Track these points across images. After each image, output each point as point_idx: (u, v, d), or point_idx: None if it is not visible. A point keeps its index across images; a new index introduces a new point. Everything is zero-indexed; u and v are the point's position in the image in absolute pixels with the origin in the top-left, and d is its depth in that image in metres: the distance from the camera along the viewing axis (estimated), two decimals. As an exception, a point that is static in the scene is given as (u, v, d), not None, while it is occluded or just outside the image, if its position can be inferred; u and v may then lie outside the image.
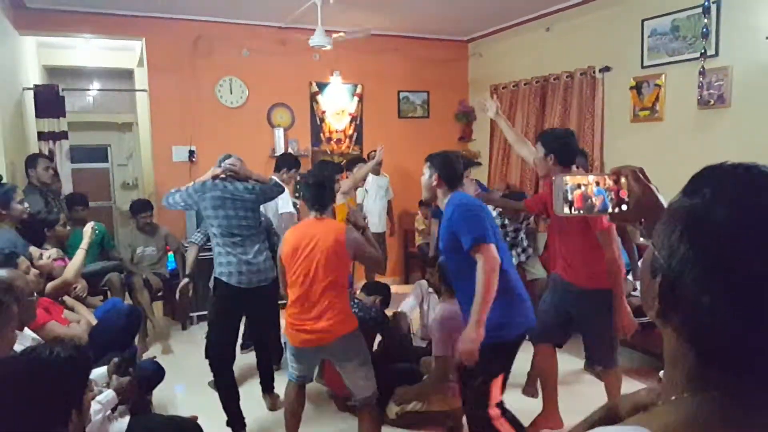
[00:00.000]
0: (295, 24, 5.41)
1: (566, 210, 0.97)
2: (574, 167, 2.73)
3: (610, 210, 0.96)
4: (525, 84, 5.66)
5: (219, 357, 3.03)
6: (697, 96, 4.03)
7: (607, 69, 4.83)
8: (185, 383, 3.69)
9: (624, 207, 0.95)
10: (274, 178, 3.46)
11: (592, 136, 4.92)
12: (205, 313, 4.37)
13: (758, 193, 0.55)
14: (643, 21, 4.48)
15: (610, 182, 0.96)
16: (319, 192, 2.55)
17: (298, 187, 4.78)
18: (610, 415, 0.88)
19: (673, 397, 0.60)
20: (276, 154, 5.61)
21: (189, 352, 4.05)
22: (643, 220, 0.89)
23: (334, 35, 4.66)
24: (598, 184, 0.97)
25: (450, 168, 2.35)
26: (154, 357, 3.11)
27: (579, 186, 0.96)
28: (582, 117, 5.01)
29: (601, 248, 2.52)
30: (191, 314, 4.95)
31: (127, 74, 6.83)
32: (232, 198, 3.02)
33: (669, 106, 4.36)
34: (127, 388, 2.26)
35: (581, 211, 0.97)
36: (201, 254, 3.96)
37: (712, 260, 0.55)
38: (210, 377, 3.22)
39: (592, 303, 2.67)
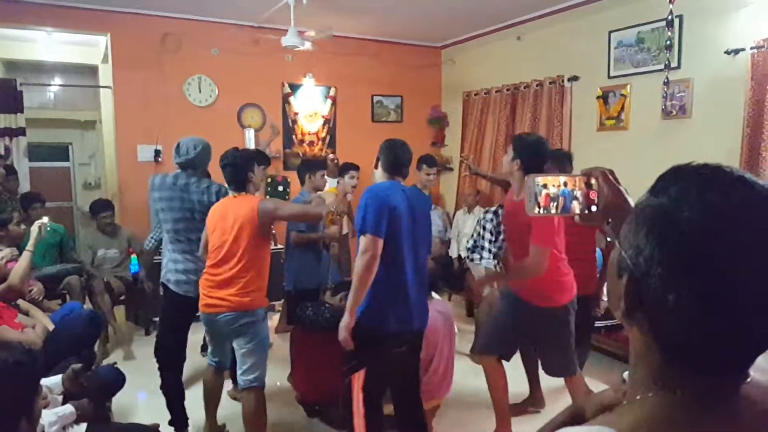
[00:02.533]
0: (268, 24, 5.34)
1: (536, 210, 0.96)
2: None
3: (578, 211, 0.96)
4: (496, 91, 5.73)
5: (164, 359, 3.03)
6: (662, 106, 4.15)
7: (575, 78, 4.93)
8: (147, 390, 3.58)
9: (594, 208, 0.95)
10: None
11: (560, 144, 5.01)
12: None
13: (723, 193, 0.55)
14: (610, 32, 4.59)
15: (580, 184, 0.96)
16: (234, 171, 2.68)
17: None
18: (575, 415, 0.88)
19: (638, 397, 0.60)
20: (246, 156, 5.54)
21: (152, 358, 3.91)
22: (610, 220, 0.89)
23: (304, 35, 4.63)
24: (566, 185, 0.97)
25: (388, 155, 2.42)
26: (115, 363, 3.00)
27: (549, 187, 0.96)
28: (551, 125, 5.10)
29: (554, 264, 2.55)
30: (154, 319, 4.80)
31: (91, 70, 6.61)
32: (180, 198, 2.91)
33: (634, 116, 4.48)
34: (86, 409, 2.21)
35: (551, 212, 0.97)
36: (157, 258, 3.91)
37: (678, 259, 0.55)
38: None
39: (544, 322, 2.68)
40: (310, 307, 3.13)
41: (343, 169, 4.64)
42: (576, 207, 0.95)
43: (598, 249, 3.36)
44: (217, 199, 2.87)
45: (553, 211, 0.96)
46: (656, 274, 0.56)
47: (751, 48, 3.59)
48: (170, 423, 2.99)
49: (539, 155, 2.66)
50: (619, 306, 0.61)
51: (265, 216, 2.58)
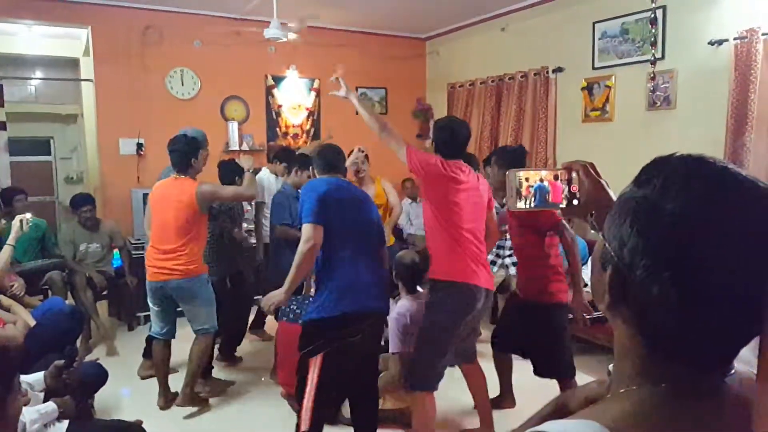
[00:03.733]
0: (250, 15, 5.28)
1: (519, 204, 0.96)
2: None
3: (563, 205, 0.96)
4: (481, 83, 5.72)
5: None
6: (648, 99, 4.17)
7: (559, 70, 4.94)
8: (131, 386, 3.55)
9: (575, 201, 0.95)
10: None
11: (546, 135, 5.03)
12: None
13: (707, 184, 0.55)
14: (594, 23, 4.60)
15: (562, 177, 0.96)
16: (179, 156, 3.07)
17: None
18: (560, 409, 0.87)
19: (622, 390, 0.60)
20: (231, 149, 5.48)
21: (136, 354, 3.89)
22: (593, 212, 0.89)
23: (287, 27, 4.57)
24: (541, 179, 0.97)
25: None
26: (97, 359, 2.97)
27: (531, 181, 0.96)
28: (536, 116, 5.11)
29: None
30: (138, 314, 4.77)
31: (72, 63, 6.50)
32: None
33: (619, 107, 4.50)
34: (68, 407, 2.18)
35: (533, 206, 0.97)
36: (139, 252, 3.96)
37: (661, 250, 0.55)
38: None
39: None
40: (295, 301, 3.11)
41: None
42: (558, 201, 0.96)
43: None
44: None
45: (534, 204, 0.97)
46: (640, 266, 0.56)
47: (735, 39, 3.61)
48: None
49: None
50: (603, 298, 0.61)
51: (203, 200, 3.05)
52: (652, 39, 3.49)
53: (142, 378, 3.67)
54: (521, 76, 5.24)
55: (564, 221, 2.76)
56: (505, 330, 3.12)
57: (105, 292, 4.59)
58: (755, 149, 3.52)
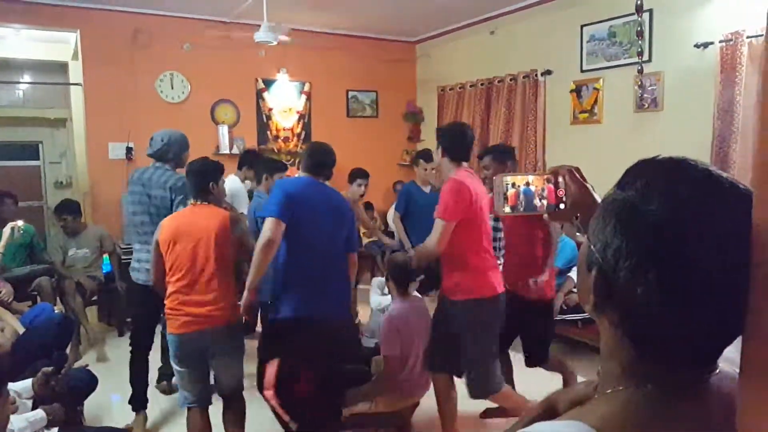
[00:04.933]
0: (240, 19, 5.27)
1: (506, 209, 0.98)
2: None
3: (547, 210, 0.97)
4: (471, 86, 5.75)
5: (136, 341, 3.15)
6: (636, 102, 4.21)
7: (548, 72, 4.98)
8: (121, 392, 3.51)
9: (561, 206, 0.96)
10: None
11: (535, 137, 5.06)
12: None
13: (689, 186, 0.56)
14: (582, 26, 4.64)
15: (548, 182, 0.97)
16: (197, 181, 2.57)
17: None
18: (548, 410, 0.88)
19: (609, 390, 0.60)
20: (221, 152, 5.46)
21: (126, 360, 3.84)
22: (578, 215, 0.90)
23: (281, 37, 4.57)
24: (527, 184, 0.98)
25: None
26: (87, 365, 2.95)
27: (516, 185, 0.98)
28: (525, 118, 5.14)
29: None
30: (128, 319, 4.72)
31: (61, 68, 6.46)
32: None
33: (607, 109, 4.54)
34: (57, 414, 2.17)
35: (520, 210, 0.98)
36: (129, 257, 3.89)
37: (645, 252, 0.55)
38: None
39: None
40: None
41: (351, 177, 4.43)
42: (544, 205, 0.97)
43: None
44: (172, 193, 2.89)
45: (521, 209, 0.98)
46: (624, 267, 0.56)
47: (720, 41, 3.65)
48: (130, 401, 3.05)
49: (459, 142, 2.62)
50: (588, 300, 0.61)
51: (240, 234, 2.54)
52: (639, 49, 3.53)
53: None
54: (510, 79, 5.27)
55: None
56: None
57: (94, 298, 4.55)
58: (741, 150, 3.56)
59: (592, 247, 0.61)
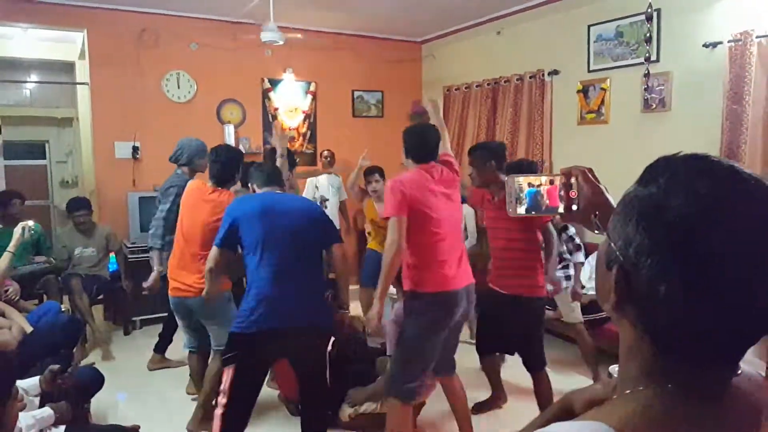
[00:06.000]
0: (247, 19, 5.28)
1: (519, 210, 0.97)
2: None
3: (560, 210, 0.97)
4: (477, 86, 5.73)
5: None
6: (643, 102, 4.19)
7: (555, 72, 4.95)
8: (127, 391, 3.52)
9: (574, 207, 0.96)
10: None
11: (542, 138, 5.04)
12: (148, 317, 4.72)
13: (712, 182, 0.55)
14: (589, 26, 4.61)
15: (560, 183, 0.97)
16: (222, 169, 2.88)
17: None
18: (564, 411, 0.87)
19: (629, 391, 0.60)
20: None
21: (131, 358, 3.88)
22: (596, 213, 0.89)
23: (289, 34, 4.58)
24: (539, 185, 0.98)
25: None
26: (93, 363, 2.96)
27: (531, 186, 0.97)
28: (531, 119, 5.12)
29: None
30: (133, 318, 4.74)
31: (68, 67, 6.49)
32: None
33: (614, 109, 4.51)
34: (64, 412, 2.17)
35: (533, 212, 0.98)
36: (139, 256, 3.93)
37: (667, 249, 0.54)
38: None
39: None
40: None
41: (367, 173, 4.45)
42: (557, 206, 0.97)
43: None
44: (160, 195, 3.31)
45: (534, 210, 0.97)
46: (646, 265, 0.55)
47: (729, 41, 3.62)
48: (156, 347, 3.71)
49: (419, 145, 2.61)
50: (608, 299, 0.60)
51: None
52: (647, 54, 3.50)
53: (151, 370, 3.79)
54: (517, 79, 5.25)
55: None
56: (489, 331, 3.11)
57: (100, 297, 4.57)
58: (750, 150, 3.54)
59: (612, 244, 0.61)
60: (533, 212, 0.99)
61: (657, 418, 0.56)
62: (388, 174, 6.24)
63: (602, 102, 4.60)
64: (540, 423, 0.86)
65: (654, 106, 4.17)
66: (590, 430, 0.56)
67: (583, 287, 4.06)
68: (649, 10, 3.22)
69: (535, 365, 2.93)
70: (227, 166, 2.87)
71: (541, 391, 2.87)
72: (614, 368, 1.41)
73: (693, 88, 3.91)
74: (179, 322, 3.10)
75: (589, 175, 0.94)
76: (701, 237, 0.53)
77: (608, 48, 4.51)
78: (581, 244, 3.67)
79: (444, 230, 2.47)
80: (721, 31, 3.69)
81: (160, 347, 3.85)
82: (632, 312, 0.59)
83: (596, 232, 0.68)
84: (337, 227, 5.32)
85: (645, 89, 4.02)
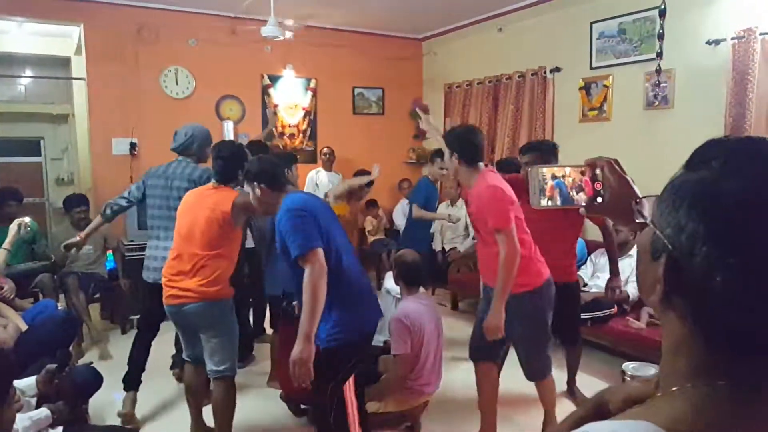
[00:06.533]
0: (247, 14, 5.23)
1: (543, 202, 0.94)
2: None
3: (584, 203, 0.94)
4: (478, 83, 5.70)
5: (141, 331, 3.22)
6: (646, 99, 4.17)
7: (557, 70, 4.93)
8: (124, 391, 3.47)
9: (599, 199, 0.93)
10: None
11: (543, 135, 5.01)
12: None
13: None
14: (591, 23, 4.59)
15: (586, 174, 0.94)
16: (225, 166, 2.62)
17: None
18: (598, 410, 0.83)
19: (675, 388, 0.56)
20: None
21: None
22: (638, 199, 0.84)
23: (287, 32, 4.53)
24: (564, 176, 0.95)
25: (269, 171, 2.28)
26: (91, 363, 2.90)
27: (555, 177, 0.94)
28: (533, 116, 5.10)
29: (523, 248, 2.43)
30: (131, 317, 4.68)
31: (64, 62, 6.40)
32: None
33: (616, 107, 4.49)
34: (62, 413, 2.12)
35: (557, 203, 0.94)
36: (136, 254, 3.80)
37: (725, 235, 0.51)
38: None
39: (515, 311, 2.50)
40: (298, 301, 3.05)
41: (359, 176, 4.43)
42: (582, 198, 0.93)
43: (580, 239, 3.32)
44: (195, 186, 2.90)
45: (559, 202, 0.94)
46: (701, 253, 0.52)
47: (732, 38, 3.61)
48: (123, 380, 3.12)
49: (474, 144, 2.54)
50: (654, 290, 0.57)
51: (240, 212, 2.53)
52: (659, 50, 3.49)
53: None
54: (518, 76, 5.22)
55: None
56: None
57: (97, 295, 4.51)
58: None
59: (658, 232, 0.57)
60: (558, 204, 0.95)
61: (709, 417, 0.52)
62: (387, 171, 6.24)
63: (604, 99, 4.58)
64: (572, 422, 0.83)
65: (657, 103, 4.15)
66: (636, 430, 0.53)
67: (585, 284, 4.05)
68: (663, 6, 3.18)
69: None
70: (231, 162, 2.64)
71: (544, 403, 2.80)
72: (627, 366, 1.38)
73: (696, 85, 3.89)
74: (180, 334, 2.77)
75: (616, 166, 0.91)
76: (760, 222, 0.50)
77: (611, 45, 4.48)
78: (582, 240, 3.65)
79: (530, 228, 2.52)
80: (725, 28, 3.68)
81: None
82: (682, 304, 0.56)
83: (639, 221, 0.64)
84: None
85: (656, 84, 3.99)
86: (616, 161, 0.93)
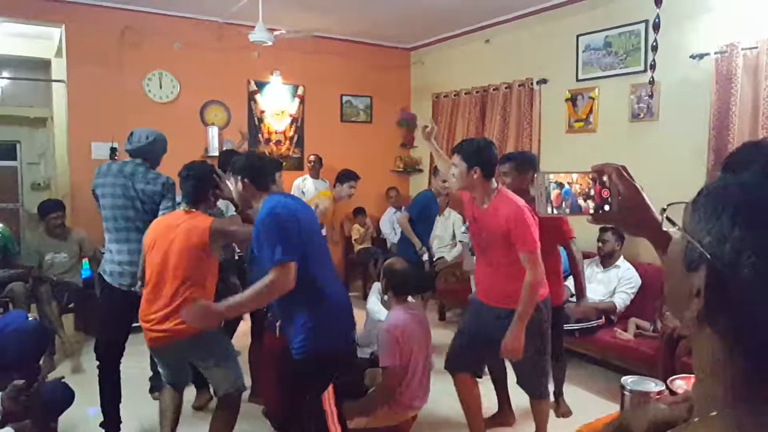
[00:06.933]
0: (234, 19, 5.16)
1: (549, 210, 0.89)
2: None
3: (591, 211, 0.90)
4: (465, 93, 5.70)
5: (103, 355, 2.90)
6: (633, 107, 4.19)
7: (544, 81, 4.95)
8: (98, 406, 3.33)
9: (607, 207, 0.89)
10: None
11: (530, 145, 5.02)
12: None
13: None
14: (578, 36, 4.62)
15: (594, 181, 0.90)
16: (196, 186, 2.49)
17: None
18: None
19: (714, 413, 0.51)
20: (210, 154, 5.31)
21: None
22: (665, 207, 0.79)
23: (276, 32, 4.46)
24: (570, 183, 0.91)
25: (255, 166, 2.20)
26: (62, 378, 2.77)
27: (562, 184, 0.90)
28: (520, 127, 5.10)
29: (522, 265, 2.38)
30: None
31: (43, 65, 6.25)
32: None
33: (602, 118, 4.52)
34: (29, 430, 1.99)
35: (565, 211, 0.90)
36: None
37: None
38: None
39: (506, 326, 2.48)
40: (274, 312, 2.96)
41: (343, 177, 4.30)
42: (589, 206, 0.90)
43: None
44: (163, 189, 2.78)
45: (567, 210, 0.90)
46: (748, 264, 0.47)
47: (716, 53, 3.66)
48: (101, 425, 2.86)
49: (495, 158, 2.51)
50: (688, 306, 0.52)
51: (219, 239, 2.45)
52: (652, 62, 3.54)
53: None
54: (505, 87, 5.23)
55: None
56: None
57: (71, 305, 4.35)
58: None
59: (694, 242, 0.52)
60: (566, 212, 0.91)
61: None
62: (375, 180, 6.18)
63: (590, 111, 4.60)
64: None
65: (642, 115, 4.17)
66: None
67: (572, 295, 4.02)
68: (657, 19, 3.22)
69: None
70: (202, 182, 2.50)
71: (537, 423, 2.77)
72: (626, 380, 1.33)
73: (680, 98, 3.93)
74: (163, 367, 2.60)
75: (624, 173, 0.87)
76: None
77: (597, 58, 4.51)
78: None
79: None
80: (708, 43, 3.73)
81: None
82: (722, 321, 0.50)
83: (670, 230, 0.59)
84: (324, 232, 5.24)
85: (649, 96, 4.01)
86: (624, 168, 0.89)
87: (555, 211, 0.90)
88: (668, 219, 0.60)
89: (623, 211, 0.86)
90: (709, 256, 0.50)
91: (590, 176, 0.90)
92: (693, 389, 0.56)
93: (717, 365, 0.52)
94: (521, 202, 2.44)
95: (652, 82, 3.63)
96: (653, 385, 1.29)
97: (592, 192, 0.90)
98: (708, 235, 0.51)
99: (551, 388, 3.06)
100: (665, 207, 0.68)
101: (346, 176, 4.25)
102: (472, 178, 2.42)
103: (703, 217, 0.52)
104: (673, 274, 0.56)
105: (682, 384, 1.38)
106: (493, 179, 2.49)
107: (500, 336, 2.42)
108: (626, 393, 1.28)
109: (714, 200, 0.52)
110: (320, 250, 2.20)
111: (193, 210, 2.47)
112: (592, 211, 0.90)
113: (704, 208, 0.53)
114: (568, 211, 0.90)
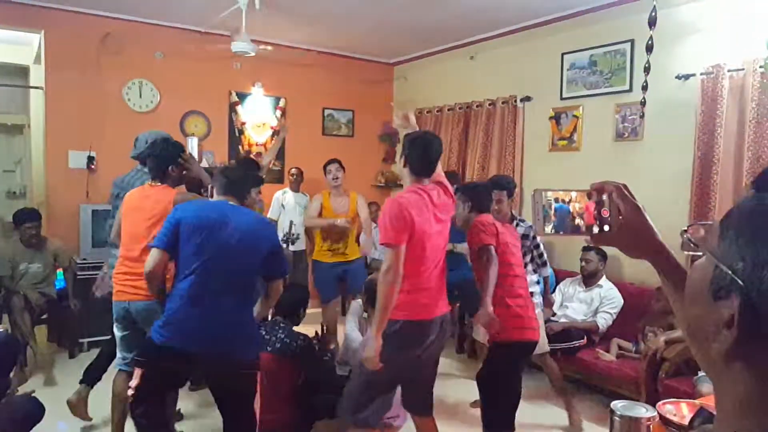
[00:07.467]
0: (217, 30, 5.12)
1: (548, 229, 0.86)
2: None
3: (594, 231, 0.87)
4: (449, 110, 5.71)
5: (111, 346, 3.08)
6: (616, 130, 4.24)
7: (527, 99, 4.98)
8: (70, 421, 3.20)
9: (606, 227, 0.86)
10: None
11: (513, 163, 5.03)
12: (97, 339, 4.21)
13: None
14: (563, 54, 4.67)
15: (590, 199, 0.88)
16: (157, 162, 2.78)
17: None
18: None
19: None
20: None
21: (76, 385, 3.54)
22: (686, 228, 0.72)
23: (261, 47, 4.43)
24: (569, 201, 0.88)
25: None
26: (33, 392, 2.66)
27: (559, 202, 0.87)
28: (503, 144, 5.12)
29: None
30: (81, 340, 4.39)
31: (21, 72, 6.12)
32: None
33: (586, 137, 4.55)
34: None
35: (566, 232, 0.87)
36: (89, 273, 3.61)
37: None
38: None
39: None
40: (262, 327, 2.89)
41: (327, 163, 4.59)
42: (589, 226, 0.87)
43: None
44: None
45: (565, 230, 0.87)
46: None
47: (701, 74, 3.70)
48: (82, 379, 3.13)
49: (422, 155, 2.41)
50: (716, 338, 0.48)
51: (180, 204, 2.61)
52: (644, 84, 3.58)
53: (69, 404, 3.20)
54: (489, 104, 5.25)
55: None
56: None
57: (44, 316, 4.21)
58: (722, 180, 3.58)
59: (724, 268, 0.48)
60: (561, 232, 0.88)
61: None
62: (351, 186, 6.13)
63: (574, 129, 4.63)
64: None
65: (626, 134, 4.22)
66: None
67: (554, 314, 4.02)
68: (650, 41, 3.26)
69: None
70: (160, 158, 2.79)
71: None
72: (616, 404, 1.30)
73: (665, 118, 3.97)
74: (118, 335, 2.78)
75: (625, 192, 0.84)
76: None
77: (581, 76, 4.56)
78: (547, 260, 3.59)
79: (433, 260, 2.33)
80: (694, 63, 3.77)
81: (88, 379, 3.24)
82: (757, 355, 0.46)
83: (688, 252, 0.56)
84: (304, 248, 5.18)
85: (641, 116, 4.04)
86: (625, 186, 0.87)
87: (553, 231, 0.88)
88: (690, 241, 0.56)
89: (624, 231, 0.83)
90: (742, 284, 0.46)
91: (589, 194, 0.88)
92: (716, 428, 0.52)
93: (747, 403, 0.48)
94: (403, 196, 2.30)
95: (643, 103, 3.66)
96: (644, 411, 1.26)
97: (593, 210, 0.87)
98: (740, 260, 0.47)
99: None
100: (686, 228, 0.64)
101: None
102: (400, 166, 2.46)
103: (734, 240, 0.48)
104: (695, 303, 0.52)
105: (671, 409, 1.36)
106: (425, 179, 2.40)
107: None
108: (616, 418, 1.26)
109: (746, 221, 0.48)
110: (216, 261, 2.26)
111: (158, 184, 2.76)
112: (592, 231, 0.87)
113: (736, 229, 0.49)
114: (566, 230, 0.88)
